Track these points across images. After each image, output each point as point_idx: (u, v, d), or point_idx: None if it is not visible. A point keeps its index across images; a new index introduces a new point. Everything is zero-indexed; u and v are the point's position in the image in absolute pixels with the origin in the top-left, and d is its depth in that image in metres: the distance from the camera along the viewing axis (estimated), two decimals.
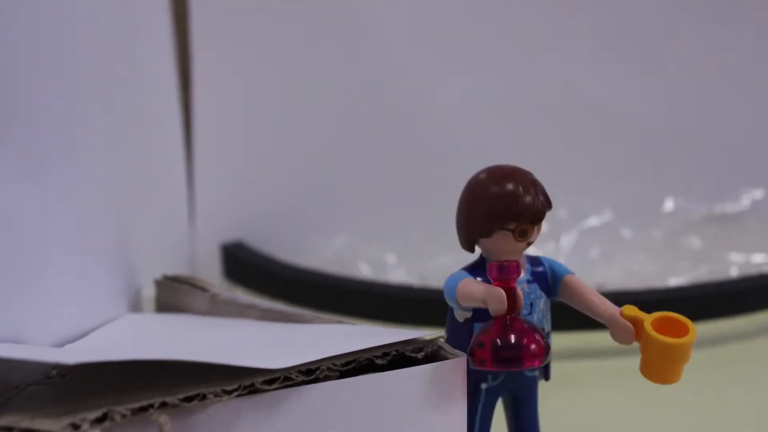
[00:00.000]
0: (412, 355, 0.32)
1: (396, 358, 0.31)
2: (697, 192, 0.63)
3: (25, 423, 0.27)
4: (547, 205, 0.33)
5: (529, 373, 0.34)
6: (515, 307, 0.31)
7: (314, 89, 0.63)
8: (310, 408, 0.30)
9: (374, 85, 0.62)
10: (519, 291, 0.31)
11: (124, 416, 0.27)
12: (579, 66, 0.63)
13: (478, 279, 0.32)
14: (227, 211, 0.63)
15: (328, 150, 0.63)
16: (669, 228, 0.62)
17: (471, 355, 0.31)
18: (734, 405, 0.45)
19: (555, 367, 0.35)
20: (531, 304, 0.33)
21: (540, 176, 0.34)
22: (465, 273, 0.33)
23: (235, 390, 0.29)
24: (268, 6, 0.62)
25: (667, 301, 0.51)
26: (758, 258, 0.60)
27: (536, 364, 0.31)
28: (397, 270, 0.61)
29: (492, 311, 0.31)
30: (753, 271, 0.58)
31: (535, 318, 0.33)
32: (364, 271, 0.60)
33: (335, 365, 0.30)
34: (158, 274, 0.43)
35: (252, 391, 0.29)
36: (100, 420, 0.27)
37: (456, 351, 0.32)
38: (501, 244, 0.32)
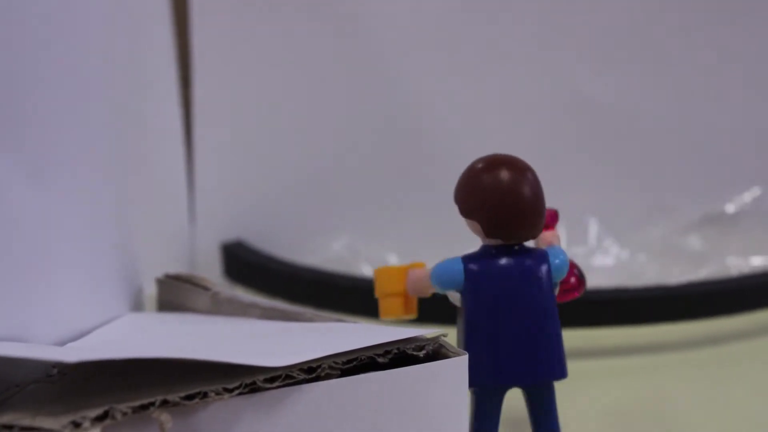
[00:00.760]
0: (414, 353, 0.32)
1: (397, 356, 0.31)
2: (696, 192, 0.63)
3: (26, 421, 0.27)
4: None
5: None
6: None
7: (315, 88, 0.63)
8: (311, 406, 0.30)
9: (375, 84, 0.62)
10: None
11: (125, 414, 0.27)
12: (580, 67, 0.63)
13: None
14: (227, 210, 0.63)
15: (329, 149, 0.63)
16: (668, 228, 0.62)
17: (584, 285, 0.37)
18: (734, 404, 0.45)
19: None
20: None
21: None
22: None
23: (237, 388, 0.29)
24: (269, 5, 0.62)
25: (667, 299, 0.51)
26: (757, 261, 0.60)
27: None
28: None
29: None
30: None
31: None
32: (365, 270, 0.60)
33: (336, 363, 0.30)
34: (159, 273, 0.43)
35: (253, 389, 0.29)
36: (101, 418, 0.27)
37: (457, 349, 0.32)
38: None
